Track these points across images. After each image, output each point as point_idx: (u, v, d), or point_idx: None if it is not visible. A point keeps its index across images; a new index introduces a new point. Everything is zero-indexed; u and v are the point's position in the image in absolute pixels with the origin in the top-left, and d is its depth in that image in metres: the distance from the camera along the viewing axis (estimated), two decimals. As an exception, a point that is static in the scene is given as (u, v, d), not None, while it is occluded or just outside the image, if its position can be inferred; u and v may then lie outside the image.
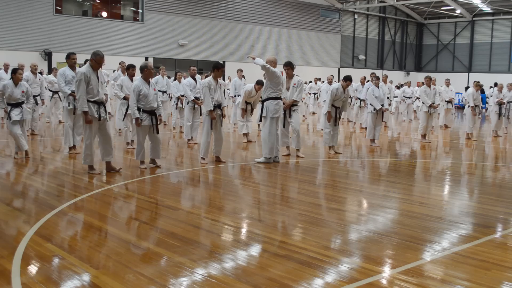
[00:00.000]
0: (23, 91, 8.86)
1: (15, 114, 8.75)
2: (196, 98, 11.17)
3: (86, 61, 9.69)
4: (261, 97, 9.31)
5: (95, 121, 7.47)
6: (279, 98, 8.92)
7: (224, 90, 9.46)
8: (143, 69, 8.06)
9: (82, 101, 7.29)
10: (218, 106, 8.75)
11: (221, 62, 9.28)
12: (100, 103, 7.52)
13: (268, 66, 8.68)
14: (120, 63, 12.80)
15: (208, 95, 8.54)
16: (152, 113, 8.10)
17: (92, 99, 7.39)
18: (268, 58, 9.10)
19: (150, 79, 8.16)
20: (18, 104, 8.81)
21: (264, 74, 9.84)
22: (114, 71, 19.41)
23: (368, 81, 14.87)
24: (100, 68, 7.66)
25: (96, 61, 7.41)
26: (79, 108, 7.40)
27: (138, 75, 9.16)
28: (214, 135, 8.85)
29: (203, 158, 8.77)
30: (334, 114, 10.31)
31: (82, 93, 7.29)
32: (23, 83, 8.98)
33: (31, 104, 9.27)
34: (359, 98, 16.33)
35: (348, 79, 10.17)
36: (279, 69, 9.02)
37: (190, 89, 11.25)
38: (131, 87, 8.46)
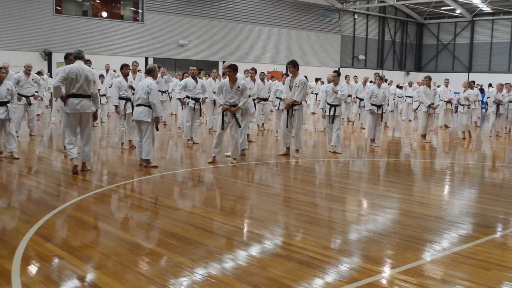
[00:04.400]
0: (8, 89, 8.88)
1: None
2: (196, 99, 11.23)
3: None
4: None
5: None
6: None
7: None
8: (153, 70, 8.26)
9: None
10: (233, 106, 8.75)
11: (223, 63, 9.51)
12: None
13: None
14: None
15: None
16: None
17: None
18: (224, 65, 9.51)
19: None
20: (3, 103, 8.82)
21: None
22: (114, 70, 19.40)
23: (372, 81, 14.93)
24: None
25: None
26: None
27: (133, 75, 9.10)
28: (230, 134, 8.94)
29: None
30: (329, 112, 10.61)
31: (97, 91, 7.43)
32: (7, 82, 9.03)
33: (15, 104, 9.28)
34: (359, 98, 16.33)
35: (335, 72, 10.89)
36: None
37: (190, 89, 11.28)
38: (139, 86, 8.33)
